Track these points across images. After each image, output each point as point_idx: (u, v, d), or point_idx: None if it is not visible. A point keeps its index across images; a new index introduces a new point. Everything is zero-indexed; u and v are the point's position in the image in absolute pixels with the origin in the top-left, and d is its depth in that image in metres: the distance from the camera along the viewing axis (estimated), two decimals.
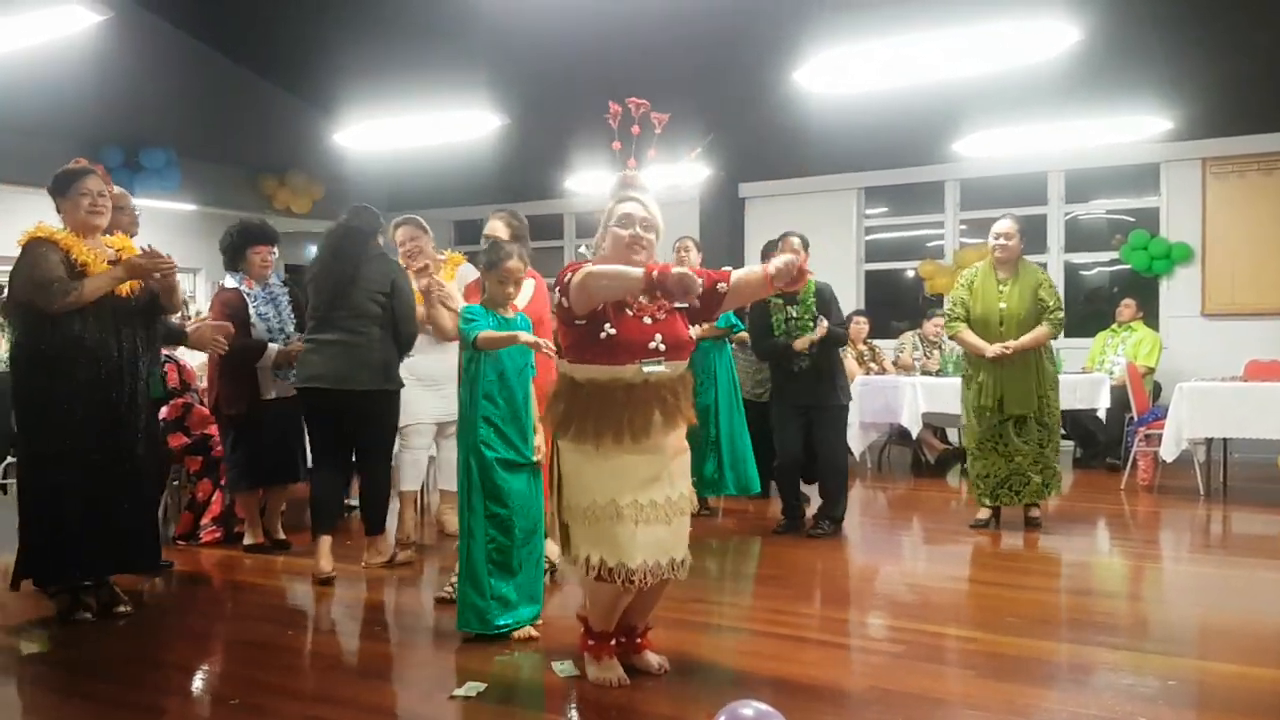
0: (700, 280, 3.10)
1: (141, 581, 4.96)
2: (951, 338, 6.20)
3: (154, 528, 4.65)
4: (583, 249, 4.37)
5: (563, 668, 3.61)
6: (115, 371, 4.27)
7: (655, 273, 3.07)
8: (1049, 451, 6.02)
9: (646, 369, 3.29)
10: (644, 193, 3.43)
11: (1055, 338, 6.10)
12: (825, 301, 6.03)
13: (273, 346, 5.54)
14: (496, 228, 5.12)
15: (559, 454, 3.41)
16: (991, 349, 5.89)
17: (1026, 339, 5.87)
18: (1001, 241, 5.96)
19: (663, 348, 3.32)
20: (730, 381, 6.50)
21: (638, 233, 3.35)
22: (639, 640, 3.58)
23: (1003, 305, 5.93)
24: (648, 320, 3.33)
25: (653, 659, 3.58)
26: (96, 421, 4.23)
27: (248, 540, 5.75)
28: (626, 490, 3.27)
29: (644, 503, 3.28)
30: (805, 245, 6.06)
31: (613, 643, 3.50)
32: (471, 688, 3.45)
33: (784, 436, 6.17)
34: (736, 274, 3.46)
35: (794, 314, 6.00)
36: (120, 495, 4.32)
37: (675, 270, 3.07)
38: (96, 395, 4.23)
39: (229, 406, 5.59)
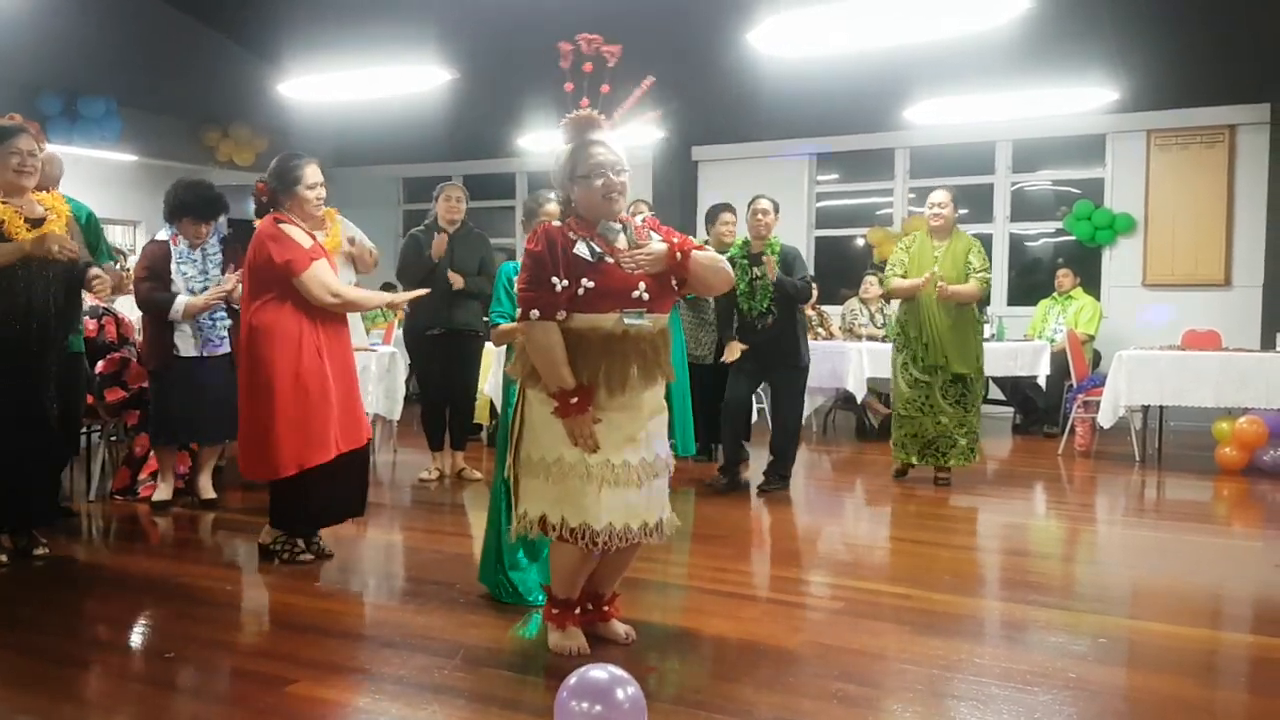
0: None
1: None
2: (887, 294, 6.43)
3: (53, 483, 4.69)
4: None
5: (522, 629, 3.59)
6: (25, 330, 4.27)
7: (575, 400, 3.09)
8: (972, 416, 6.32)
9: (628, 320, 3.12)
10: (603, 133, 3.22)
11: (983, 298, 6.37)
12: (789, 262, 6.05)
13: (181, 299, 5.36)
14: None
15: (526, 404, 3.24)
16: (922, 279, 6.12)
17: (957, 287, 6.14)
18: (936, 210, 6.35)
19: (646, 296, 3.14)
20: (679, 344, 6.49)
21: (611, 179, 3.16)
22: (606, 609, 3.45)
23: (936, 269, 6.21)
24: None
25: (619, 628, 3.45)
26: (7, 376, 4.28)
27: (156, 496, 5.61)
28: (598, 449, 3.12)
29: (616, 463, 3.12)
30: (775, 208, 6.20)
31: (577, 611, 3.37)
32: None
33: (735, 382, 6.22)
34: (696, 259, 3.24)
35: (758, 274, 6.03)
36: (33, 449, 4.35)
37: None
38: (8, 351, 4.27)
39: (147, 360, 5.59)
